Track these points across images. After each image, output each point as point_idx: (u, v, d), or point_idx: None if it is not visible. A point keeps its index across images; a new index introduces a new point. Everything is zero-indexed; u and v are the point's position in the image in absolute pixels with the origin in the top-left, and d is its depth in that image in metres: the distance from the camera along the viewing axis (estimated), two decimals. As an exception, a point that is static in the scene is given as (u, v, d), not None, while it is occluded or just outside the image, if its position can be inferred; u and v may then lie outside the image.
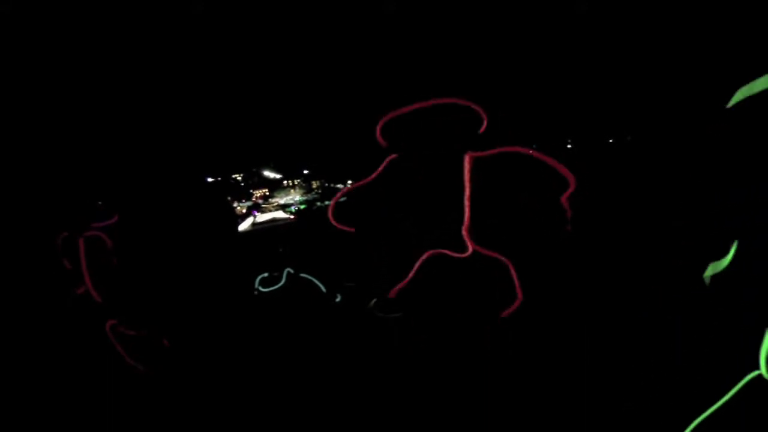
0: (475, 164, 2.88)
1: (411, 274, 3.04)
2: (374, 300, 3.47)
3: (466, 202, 2.86)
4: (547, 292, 2.86)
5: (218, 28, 6.22)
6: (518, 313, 2.87)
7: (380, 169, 3.07)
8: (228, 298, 3.98)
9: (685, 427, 1.99)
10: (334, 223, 3.19)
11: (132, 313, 3.44)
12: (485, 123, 2.86)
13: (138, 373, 3.49)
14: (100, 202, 4.17)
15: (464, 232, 2.89)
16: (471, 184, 2.86)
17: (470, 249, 2.90)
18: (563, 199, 2.70)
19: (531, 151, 2.81)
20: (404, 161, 3.06)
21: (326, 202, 10.51)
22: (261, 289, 4.19)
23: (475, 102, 2.91)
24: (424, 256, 3.02)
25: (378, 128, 3.01)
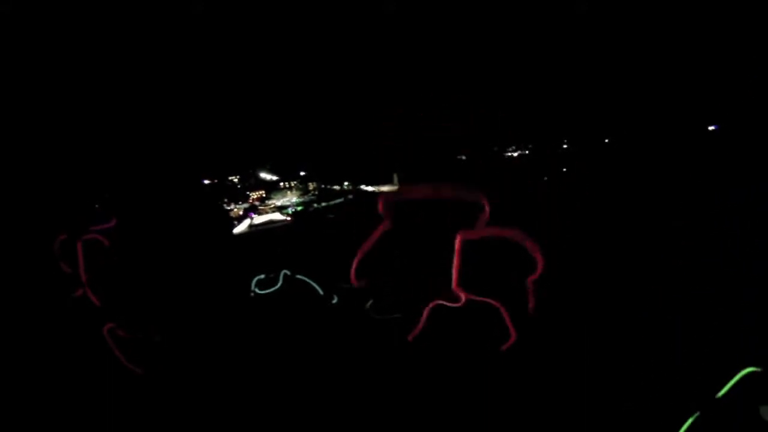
0: (465, 243, 3.15)
1: (421, 324, 3.38)
2: (371, 301, 3.49)
3: (454, 271, 3.16)
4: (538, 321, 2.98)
5: (215, 29, 6.20)
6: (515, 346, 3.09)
7: (374, 237, 3.37)
8: (224, 300, 3.95)
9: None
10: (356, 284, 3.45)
11: (129, 315, 3.42)
12: (487, 211, 3.11)
13: (135, 375, 3.46)
14: (97, 205, 4.15)
15: (455, 287, 3.21)
16: (460, 257, 3.14)
17: (463, 299, 3.23)
18: (529, 281, 2.96)
19: (512, 234, 3.04)
20: (397, 233, 3.36)
21: (323, 204, 10.49)
22: (258, 291, 4.16)
23: (479, 192, 3.17)
24: (428, 308, 3.35)
25: (380, 203, 3.29)
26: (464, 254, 3.11)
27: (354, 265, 3.37)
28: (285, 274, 4.07)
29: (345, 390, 3.04)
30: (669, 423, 2.10)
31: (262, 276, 4.17)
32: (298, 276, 4.06)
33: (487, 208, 3.08)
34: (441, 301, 3.30)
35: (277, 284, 4.09)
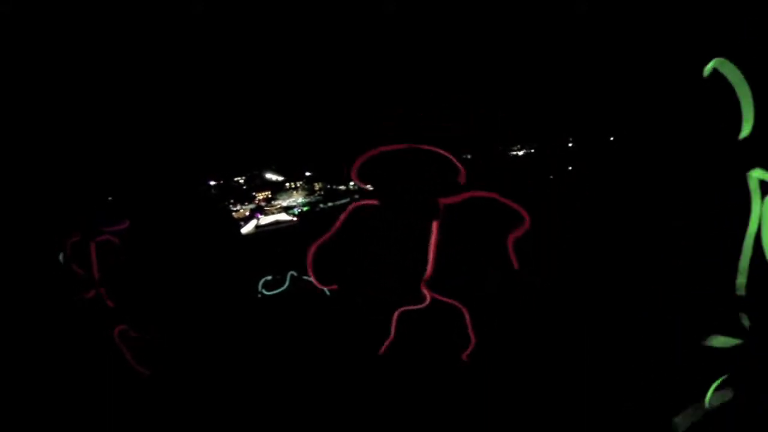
0: (444, 211, 2.90)
1: (392, 333, 3.14)
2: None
3: (431, 250, 2.89)
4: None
5: (218, 29, 6.25)
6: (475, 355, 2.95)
7: (342, 217, 3.06)
8: (231, 300, 4.00)
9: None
10: (318, 284, 3.16)
11: (143, 316, 3.47)
12: (463, 172, 2.87)
13: (143, 377, 3.51)
14: (107, 204, 4.21)
15: (422, 285, 2.94)
16: (438, 231, 2.89)
17: (428, 299, 2.97)
18: (510, 237, 2.75)
19: (496, 195, 2.83)
20: (369, 208, 3.04)
21: (329, 204, 10.56)
22: (265, 292, 4.22)
23: (454, 150, 2.90)
24: (395, 315, 3.11)
25: (354, 169, 2.96)
26: (442, 230, 2.86)
27: (309, 260, 3.10)
28: (292, 276, 4.12)
29: (351, 391, 3.09)
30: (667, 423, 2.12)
31: (269, 277, 4.22)
32: (305, 277, 4.11)
33: (462, 170, 2.84)
34: (408, 307, 3.04)
35: (284, 285, 4.15)
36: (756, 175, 1.90)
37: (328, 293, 4.07)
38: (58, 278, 3.71)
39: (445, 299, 2.95)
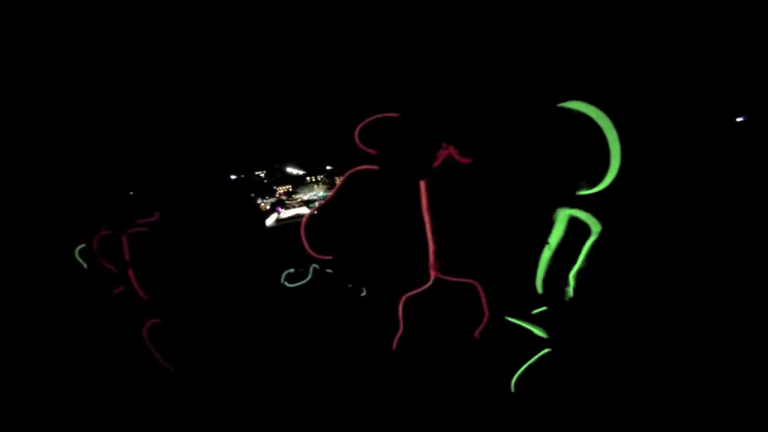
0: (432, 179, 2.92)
1: (401, 325, 3.16)
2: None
3: (426, 217, 2.90)
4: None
5: (238, 28, 6.28)
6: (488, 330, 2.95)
7: (340, 184, 3.08)
8: (256, 293, 4.02)
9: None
10: (311, 252, 3.13)
11: (178, 308, 3.48)
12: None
13: (168, 372, 3.55)
14: (130, 201, 4.26)
15: (430, 264, 2.96)
16: (428, 198, 2.90)
17: (432, 277, 3.00)
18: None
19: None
20: (368, 173, 3.05)
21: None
22: (287, 284, 4.22)
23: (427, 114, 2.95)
24: (402, 302, 3.13)
25: (357, 133, 2.98)
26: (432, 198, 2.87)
27: (302, 228, 3.06)
28: (314, 268, 4.11)
29: (372, 382, 3.08)
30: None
31: (292, 270, 4.22)
32: (328, 270, 4.09)
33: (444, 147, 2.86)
34: (416, 291, 3.04)
35: (306, 278, 4.14)
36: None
37: (350, 286, 4.05)
38: (79, 277, 3.73)
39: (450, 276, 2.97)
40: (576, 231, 2.36)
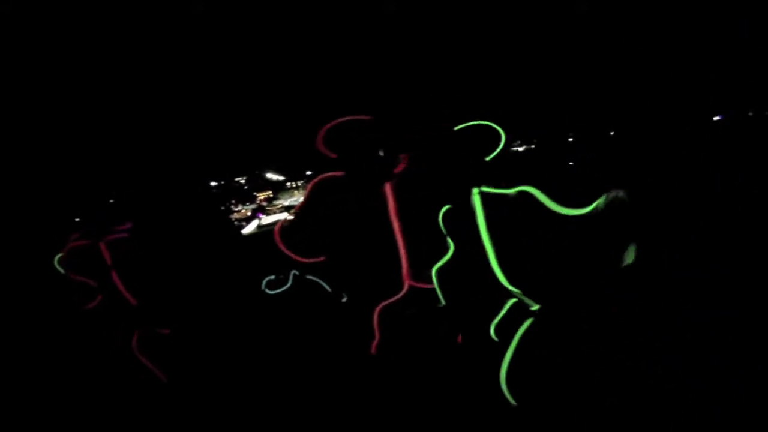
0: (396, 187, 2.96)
1: (377, 334, 3.23)
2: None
3: (395, 224, 2.95)
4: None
5: (219, 29, 6.28)
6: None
7: (309, 190, 3.11)
8: (235, 300, 4.02)
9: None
10: (290, 255, 3.19)
11: (168, 313, 3.41)
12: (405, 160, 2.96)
13: (162, 382, 3.51)
14: (107, 207, 4.20)
15: (404, 273, 3.03)
16: (396, 203, 2.94)
17: (406, 286, 3.06)
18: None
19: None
20: (334, 179, 3.09)
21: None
22: (268, 291, 4.23)
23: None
24: (377, 312, 3.19)
25: (320, 135, 3.00)
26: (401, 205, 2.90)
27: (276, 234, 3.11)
28: (294, 275, 4.14)
29: (352, 387, 3.09)
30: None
31: (272, 276, 4.24)
32: (308, 276, 4.12)
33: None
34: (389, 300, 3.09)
35: (286, 284, 4.16)
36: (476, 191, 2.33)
37: (329, 289, 4.09)
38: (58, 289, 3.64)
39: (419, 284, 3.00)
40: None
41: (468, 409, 2.64)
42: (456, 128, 2.73)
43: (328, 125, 2.98)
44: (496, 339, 2.50)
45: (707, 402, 2.15)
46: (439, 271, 2.70)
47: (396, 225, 2.96)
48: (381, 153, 2.95)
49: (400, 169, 2.98)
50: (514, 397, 2.39)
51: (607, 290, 2.80)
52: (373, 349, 3.25)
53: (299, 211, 3.16)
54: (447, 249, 2.65)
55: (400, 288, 3.07)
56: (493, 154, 2.71)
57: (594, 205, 2.10)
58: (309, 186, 3.13)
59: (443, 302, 2.76)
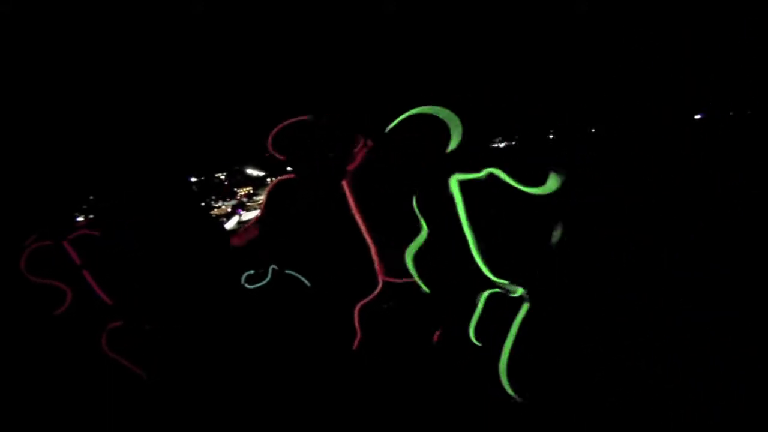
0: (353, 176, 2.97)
1: (358, 332, 3.26)
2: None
3: (358, 220, 2.95)
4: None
5: (198, 30, 6.22)
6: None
7: (266, 196, 3.14)
8: (215, 295, 4.01)
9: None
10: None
11: (143, 309, 3.36)
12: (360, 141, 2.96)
13: (141, 378, 3.46)
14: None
15: (376, 269, 3.03)
16: (356, 200, 2.95)
17: (380, 282, 3.08)
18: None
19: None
20: (289, 182, 3.11)
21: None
22: (247, 286, 4.24)
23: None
24: (356, 310, 3.24)
25: (269, 139, 3.03)
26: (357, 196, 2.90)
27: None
28: (273, 269, 4.15)
29: (334, 384, 3.11)
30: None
31: (252, 271, 4.24)
32: (287, 271, 4.14)
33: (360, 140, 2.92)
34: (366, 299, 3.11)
35: (265, 279, 4.17)
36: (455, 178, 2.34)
37: (308, 284, 4.11)
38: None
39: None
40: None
41: (455, 404, 2.63)
42: (406, 115, 2.57)
43: (277, 128, 3.00)
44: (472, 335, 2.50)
45: (707, 402, 2.15)
46: (416, 257, 2.65)
47: (360, 222, 2.96)
48: (331, 153, 2.95)
49: (354, 165, 2.95)
50: (514, 392, 2.37)
51: (607, 290, 2.86)
52: (355, 346, 3.26)
53: (257, 220, 3.15)
54: (417, 236, 2.61)
55: (375, 285, 3.09)
56: (455, 143, 2.60)
57: (551, 182, 2.11)
58: (266, 192, 3.15)
59: (426, 289, 2.71)
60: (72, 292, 3.26)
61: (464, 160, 2.32)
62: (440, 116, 2.48)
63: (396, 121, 2.54)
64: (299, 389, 3.12)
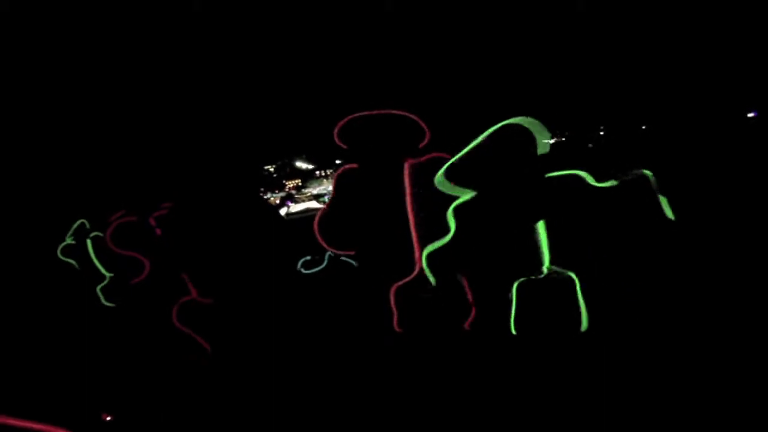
0: (413, 171, 3.11)
1: (395, 311, 3.34)
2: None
3: (408, 208, 3.09)
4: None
5: (245, 24, 6.50)
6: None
7: (333, 187, 3.30)
8: (274, 278, 4.21)
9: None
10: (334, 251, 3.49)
11: (211, 284, 3.58)
12: (427, 136, 3.10)
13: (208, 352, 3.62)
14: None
15: (416, 253, 3.13)
16: (411, 191, 3.09)
17: (418, 268, 3.15)
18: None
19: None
20: (353, 173, 3.24)
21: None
22: (303, 270, 4.44)
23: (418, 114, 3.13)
24: (392, 291, 3.31)
25: (336, 131, 3.18)
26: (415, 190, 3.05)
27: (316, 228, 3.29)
28: (329, 256, 4.33)
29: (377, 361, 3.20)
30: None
31: (308, 257, 4.44)
32: (342, 257, 4.30)
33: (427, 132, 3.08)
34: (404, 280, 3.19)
35: (322, 264, 4.36)
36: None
37: (356, 264, 4.23)
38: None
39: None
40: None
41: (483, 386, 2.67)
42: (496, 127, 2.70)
43: (343, 121, 3.18)
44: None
45: (707, 402, 2.14)
46: (433, 254, 2.85)
47: (410, 212, 3.11)
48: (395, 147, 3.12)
49: (418, 160, 3.11)
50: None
51: (608, 289, 2.86)
52: (395, 326, 3.38)
53: (329, 206, 3.35)
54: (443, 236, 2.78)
55: (412, 270, 3.19)
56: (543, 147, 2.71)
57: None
58: (333, 181, 3.32)
59: (432, 280, 2.91)
60: (150, 265, 3.54)
61: (550, 161, 2.46)
62: (524, 125, 2.60)
63: (486, 133, 2.66)
64: (340, 371, 3.18)
